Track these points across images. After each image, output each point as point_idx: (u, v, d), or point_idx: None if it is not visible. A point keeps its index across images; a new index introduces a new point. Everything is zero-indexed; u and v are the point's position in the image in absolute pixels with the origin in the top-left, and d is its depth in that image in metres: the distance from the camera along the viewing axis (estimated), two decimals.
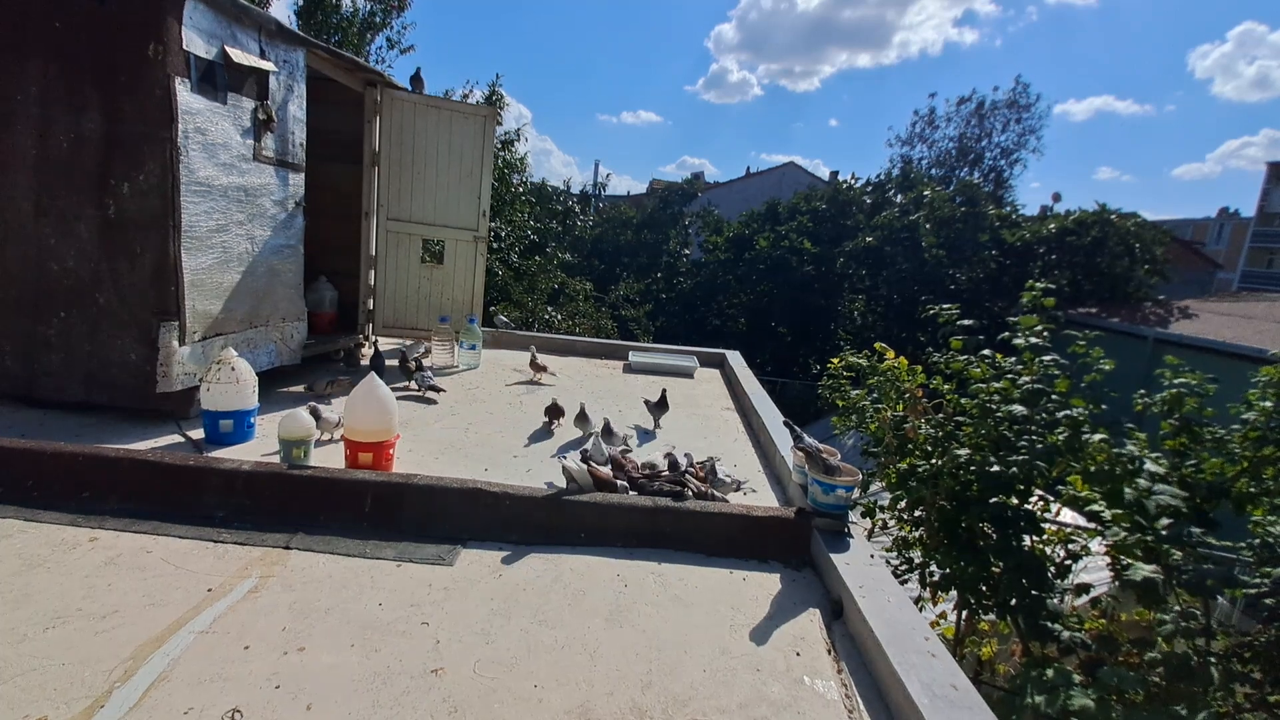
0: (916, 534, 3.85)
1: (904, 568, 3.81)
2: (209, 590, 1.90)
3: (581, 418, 3.48)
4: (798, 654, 1.84)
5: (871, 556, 2.22)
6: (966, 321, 3.92)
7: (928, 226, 16.16)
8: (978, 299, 14.52)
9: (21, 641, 1.62)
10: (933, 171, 24.09)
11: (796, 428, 2.69)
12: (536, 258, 12.99)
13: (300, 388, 3.88)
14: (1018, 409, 3.35)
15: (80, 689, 1.48)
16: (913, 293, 15.47)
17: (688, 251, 22.94)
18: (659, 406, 3.83)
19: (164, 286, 2.99)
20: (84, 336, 3.05)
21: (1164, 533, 2.92)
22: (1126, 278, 15.15)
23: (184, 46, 2.92)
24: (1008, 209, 17.31)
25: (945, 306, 4.09)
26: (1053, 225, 15.58)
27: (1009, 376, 3.53)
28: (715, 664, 1.77)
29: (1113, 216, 15.20)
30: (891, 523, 4.02)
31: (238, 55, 3.20)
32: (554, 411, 3.58)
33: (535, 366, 4.62)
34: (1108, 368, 3.52)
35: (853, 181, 20.08)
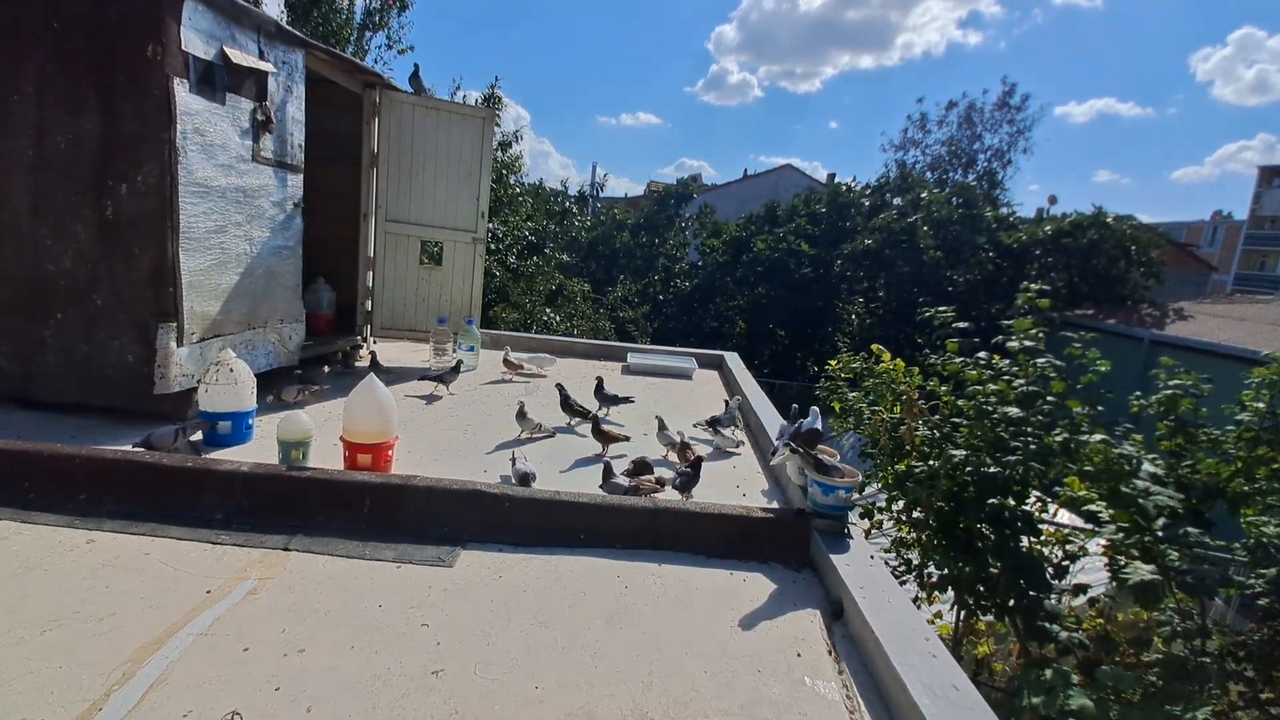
0: (914, 535, 3.86)
1: (902, 569, 3.82)
2: (208, 592, 1.90)
3: (521, 416, 3.47)
4: (799, 655, 1.84)
5: (871, 557, 2.22)
6: (961, 324, 3.95)
7: (925, 229, 16.21)
8: (975, 300, 14.58)
9: (18, 644, 1.61)
10: (928, 175, 24.20)
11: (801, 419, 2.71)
12: (534, 259, 12.98)
13: (269, 398, 3.39)
14: (1013, 411, 3.36)
15: (78, 692, 1.47)
16: (911, 294, 15.50)
17: (686, 253, 22.94)
18: (601, 397, 3.91)
19: (162, 287, 2.99)
20: (81, 337, 3.04)
21: (1160, 533, 2.93)
22: (1122, 280, 15.24)
23: (183, 47, 2.91)
24: (1004, 210, 17.39)
25: (940, 310, 4.11)
26: (1049, 227, 15.67)
27: (1005, 378, 3.54)
28: (716, 665, 1.77)
29: (1109, 219, 15.29)
30: (889, 524, 4.04)
31: (237, 56, 3.20)
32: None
33: (509, 364, 4.79)
34: (1104, 369, 3.53)
35: (851, 184, 20.13)
